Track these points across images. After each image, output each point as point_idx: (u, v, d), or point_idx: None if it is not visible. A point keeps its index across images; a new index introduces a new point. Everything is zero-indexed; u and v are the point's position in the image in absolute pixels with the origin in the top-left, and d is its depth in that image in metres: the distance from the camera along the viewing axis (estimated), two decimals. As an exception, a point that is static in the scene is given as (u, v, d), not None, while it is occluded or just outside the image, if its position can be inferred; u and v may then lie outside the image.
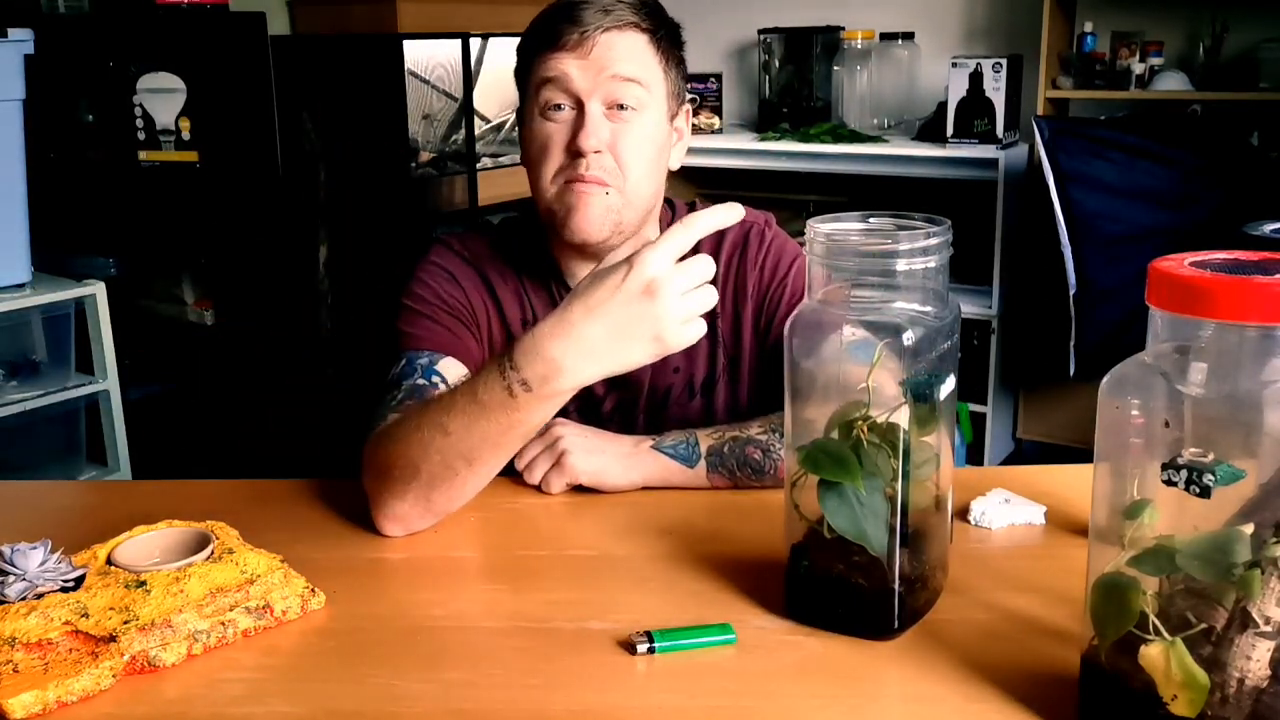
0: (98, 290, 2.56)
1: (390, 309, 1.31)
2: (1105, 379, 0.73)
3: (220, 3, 2.88)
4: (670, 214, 1.36)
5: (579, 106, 1.20)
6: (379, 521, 1.08)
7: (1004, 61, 3.04)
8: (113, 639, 0.85)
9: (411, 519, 1.08)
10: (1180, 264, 0.70)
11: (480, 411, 0.99)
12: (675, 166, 1.32)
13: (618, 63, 1.19)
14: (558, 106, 1.21)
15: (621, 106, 1.20)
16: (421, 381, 1.18)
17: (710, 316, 1.32)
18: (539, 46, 1.22)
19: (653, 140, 1.24)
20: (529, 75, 1.24)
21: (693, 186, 3.57)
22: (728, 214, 0.98)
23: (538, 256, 1.33)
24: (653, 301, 0.94)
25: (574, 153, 1.20)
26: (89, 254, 2.77)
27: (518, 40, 1.28)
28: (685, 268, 0.95)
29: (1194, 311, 0.68)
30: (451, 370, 1.21)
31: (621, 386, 1.33)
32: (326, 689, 0.84)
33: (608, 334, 0.95)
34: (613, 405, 1.33)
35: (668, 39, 1.26)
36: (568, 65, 1.19)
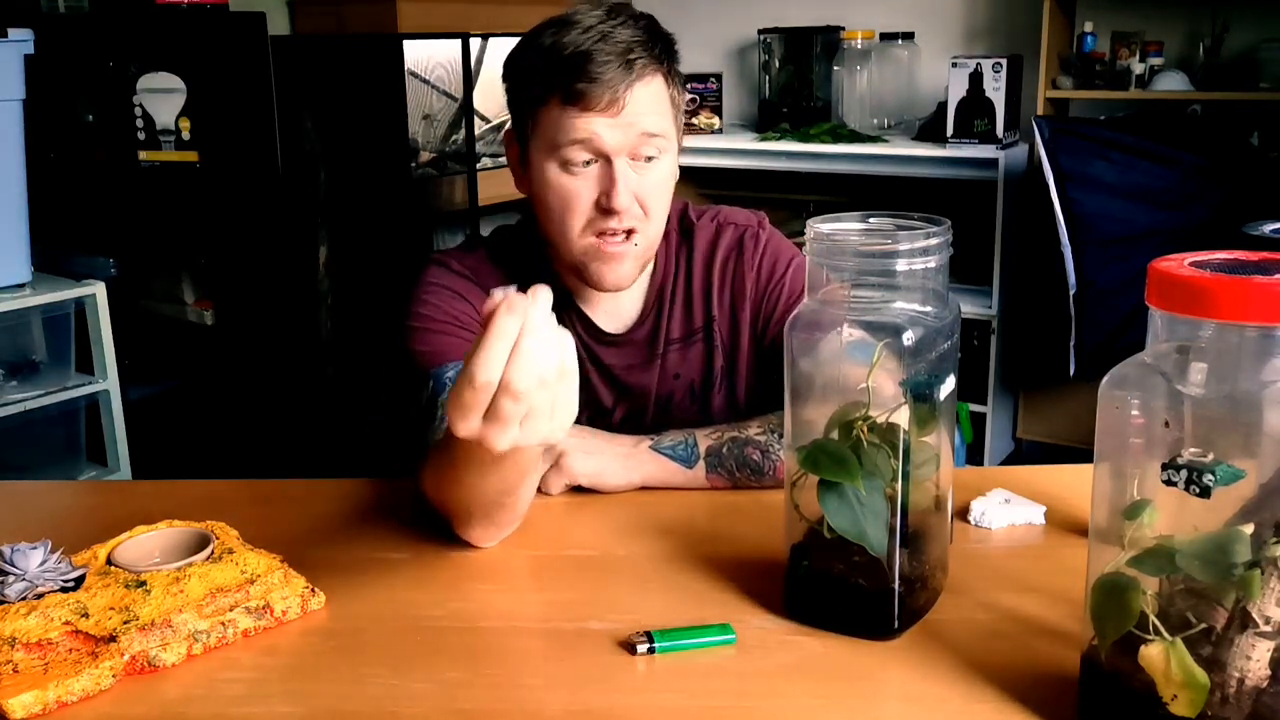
0: (98, 290, 2.56)
1: (391, 312, 1.28)
2: (1105, 379, 0.73)
3: (220, 3, 2.88)
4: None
5: (605, 159, 1.17)
6: (467, 540, 1.07)
7: (1004, 61, 3.04)
8: (113, 639, 0.85)
9: (490, 537, 1.07)
10: (1180, 264, 0.70)
11: (479, 469, 0.95)
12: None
13: (645, 118, 1.17)
14: (585, 162, 1.18)
15: (648, 158, 1.19)
16: None
17: (707, 320, 1.33)
18: (560, 99, 1.16)
19: (671, 178, 1.24)
20: (540, 122, 1.19)
21: (693, 186, 3.57)
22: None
23: (538, 269, 1.28)
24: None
25: (604, 209, 1.18)
26: (89, 254, 2.76)
27: (516, 48, 1.23)
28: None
29: (1194, 311, 0.68)
30: None
31: (629, 397, 1.33)
32: (326, 689, 0.84)
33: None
34: (622, 415, 1.33)
35: (674, 65, 1.23)
36: (597, 126, 1.15)
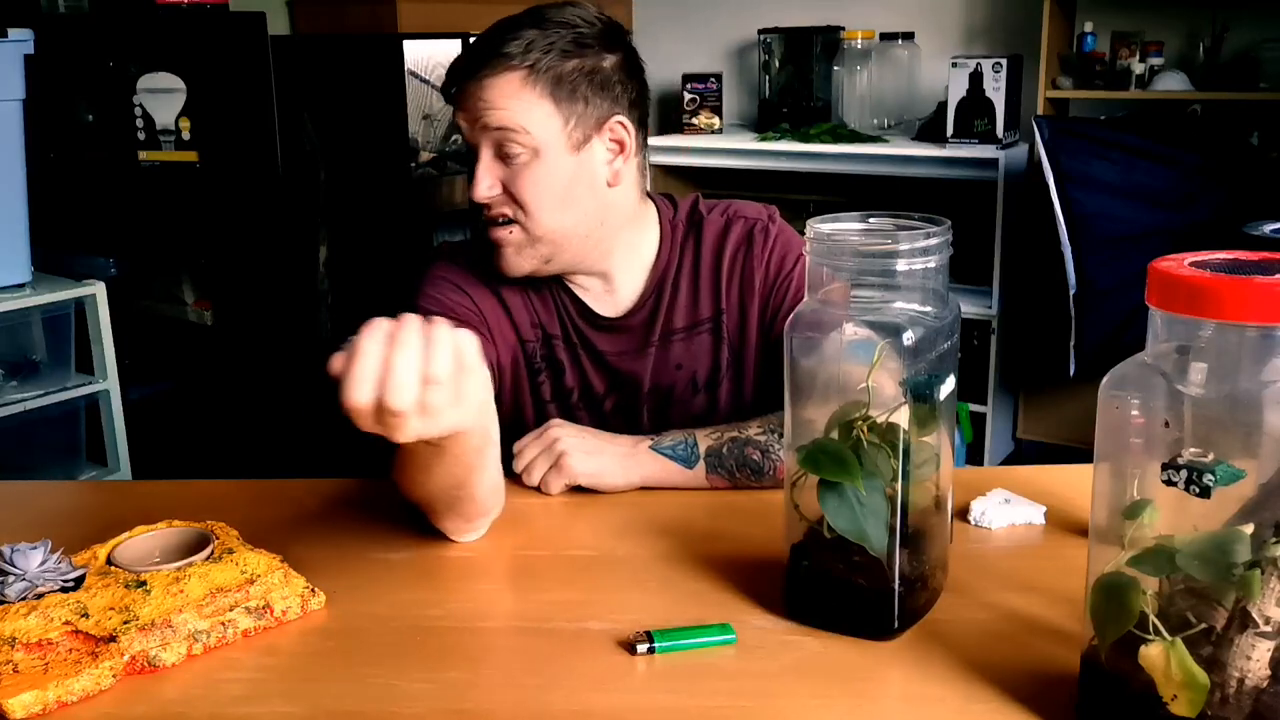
0: (98, 290, 2.56)
1: (392, 312, 1.28)
2: (1105, 379, 0.73)
3: (220, 3, 2.88)
4: (672, 210, 1.35)
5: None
6: (444, 534, 1.08)
7: (1004, 61, 3.04)
8: (113, 639, 0.85)
9: (463, 531, 1.07)
10: (1180, 264, 0.70)
11: (423, 464, 0.95)
12: (629, 184, 1.26)
13: (490, 112, 1.18)
14: (468, 151, 1.23)
15: (508, 153, 1.19)
16: None
17: (715, 313, 1.33)
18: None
19: (554, 178, 1.20)
20: None
21: (693, 187, 3.57)
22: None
23: None
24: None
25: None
26: (89, 254, 2.77)
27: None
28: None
29: (1194, 311, 0.68)
30: None
31: (621, 387, 1.33)
32: (326, 689, 0.84)
33: None
34: (613, 405, 1.33)
35: (552, 67, 1.18)
36: (459, 117, 1.22)
